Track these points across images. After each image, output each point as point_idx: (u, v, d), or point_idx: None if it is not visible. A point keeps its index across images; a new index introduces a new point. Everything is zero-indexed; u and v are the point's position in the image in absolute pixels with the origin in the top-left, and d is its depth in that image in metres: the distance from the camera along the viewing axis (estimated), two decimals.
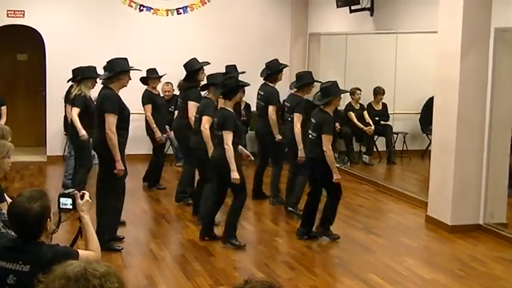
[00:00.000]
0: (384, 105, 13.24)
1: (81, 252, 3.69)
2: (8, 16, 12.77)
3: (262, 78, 9.95)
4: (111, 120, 7.46)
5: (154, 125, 10.37)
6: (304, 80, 9.39)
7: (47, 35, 12.91)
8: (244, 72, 9.91)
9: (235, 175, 7.62)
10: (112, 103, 7.53)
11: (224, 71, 10.27)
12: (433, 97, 9.38)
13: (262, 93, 9.83)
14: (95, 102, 8.62)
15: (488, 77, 8.45)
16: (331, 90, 8.00)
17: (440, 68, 8.87)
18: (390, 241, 8.32)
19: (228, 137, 7.63)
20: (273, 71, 9.86)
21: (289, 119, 9.31)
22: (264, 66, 10.04)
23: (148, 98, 10.50)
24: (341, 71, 12.82)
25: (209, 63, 9.71)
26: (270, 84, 9.83)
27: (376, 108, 13.26)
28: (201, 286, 6.62)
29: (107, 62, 7.86)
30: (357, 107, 13.21)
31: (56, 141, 13.14)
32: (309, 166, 8.42)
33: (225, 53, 12.70)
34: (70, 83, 10.45)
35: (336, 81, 8.20)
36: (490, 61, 8.43)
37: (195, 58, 9.69)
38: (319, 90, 8.29)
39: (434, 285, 6.78)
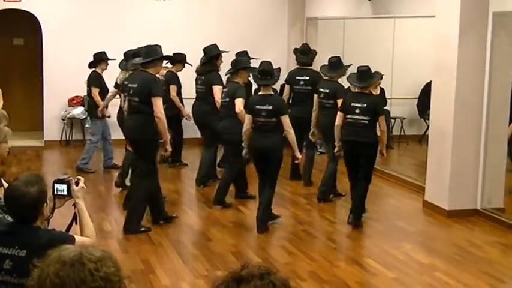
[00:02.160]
0: (382, 90, 13.18)
1: (77, 238, 3.69)
2: (4, 0, 12.68)
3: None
4: (159, 103, 7.58)
5: (181, 104, 10.77)
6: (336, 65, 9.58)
7: (44, 20, 12.82)
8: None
9: (299, 155, 7.94)
10: (159, 86, 7.72)
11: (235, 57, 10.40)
12: (430, 82, 9.36)
13: (307, 78, 10.04)
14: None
15: (486, 61, 8.42)
16: (371, 74, 8.22)
17: (438, 52, 8.84)
18: (387, 226, 8.33)
19: (287, 121, 7.75)
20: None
21: (327, 105, 9.20)
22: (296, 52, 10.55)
23: (173, 79, 10.78)
24: (339, 55, 12.74)
25: (228, 51, 10.00)
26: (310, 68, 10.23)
27: (374, 93, 13.18)
28: (198, 270, 6.63)
29: (146, 47, 7.92)
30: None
31: (53, 126, 13.11)
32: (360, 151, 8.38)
33: (222, 38, 12.57)
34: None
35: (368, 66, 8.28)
36: (488, 45, 8.40)
37: (215, 44, 9.94)
38: (356, 72, 8.30)
39: (431, 269, 6.79)
